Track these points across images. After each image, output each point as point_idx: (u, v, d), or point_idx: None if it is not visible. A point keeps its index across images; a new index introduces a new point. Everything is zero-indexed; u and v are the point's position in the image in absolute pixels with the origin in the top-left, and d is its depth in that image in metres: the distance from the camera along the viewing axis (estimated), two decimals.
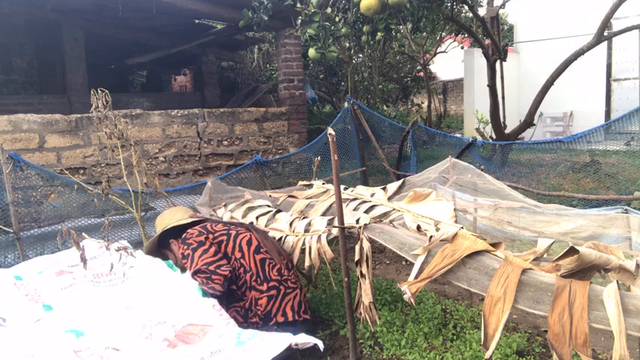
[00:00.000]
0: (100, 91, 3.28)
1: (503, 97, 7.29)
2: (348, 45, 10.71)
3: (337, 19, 4.43)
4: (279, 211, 3.37)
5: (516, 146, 5.95)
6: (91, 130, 5.37)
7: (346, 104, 5.97)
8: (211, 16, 7.18)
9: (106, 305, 2.60)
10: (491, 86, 6.53)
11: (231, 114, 6.44)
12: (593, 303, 1.74)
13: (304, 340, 2.22)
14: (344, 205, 2.87)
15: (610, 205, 3.89)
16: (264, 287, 2.67)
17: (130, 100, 9.27)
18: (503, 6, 7.54)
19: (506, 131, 6.94)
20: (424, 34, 11.01)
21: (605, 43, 8.99)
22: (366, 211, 2.93)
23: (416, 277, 2.11)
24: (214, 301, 2.50)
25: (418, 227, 2.46)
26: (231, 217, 3.40)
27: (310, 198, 3.49)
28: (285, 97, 6.99)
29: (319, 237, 2.74)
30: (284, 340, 2.16)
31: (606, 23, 5.59)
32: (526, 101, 7.72)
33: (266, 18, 4.84)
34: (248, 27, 5.88)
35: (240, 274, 2.70)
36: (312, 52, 4.42)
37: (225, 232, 2.83)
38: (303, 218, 3.05)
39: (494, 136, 7.02)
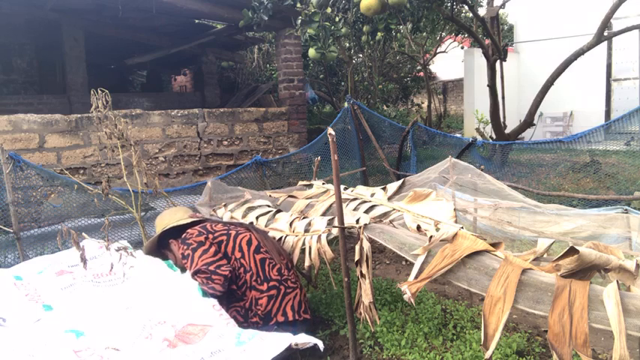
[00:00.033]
0: (100, 91, 3.28)
1: (503, 97, 7.29)
2: (348, 45, 10.71)
3: (337, 19, 4.43)
4: (279, 211, 3.37)
5: (516, 146, 5.95)
6: (91, 130, 5.37)
7: (346, 104, 5.97)
8: (211, 16, 7.19)
9: (106, 305, 2.60)
10: (492, 86, 6.53)
11: (231, 114, 6.44)
12: (593, 303, 1.74)
13: (304, 340, 2.22)
14: (344, 205, 2.87)
15: (610, 205, 3.89)
16: (265, 287, 2.67)
17: (130, 100, 9.27)
18: (503, 6, 7.54)
19: (506, 131, 6.95)
20: (424, 34, 11.01)
21: (605, 43, 9.00)
22: (366, 211, 2.93)
23: (416, 277, 2.11)
24: (214, 301, 2.50)
25: (418, 227, 2.46)
26: (231, 217, 3.40)
27: (310, 198, 3.49)
28: (285, 97, 6.99)
29: (319, 237, 2.74)
30: (284, 340, 2.16)
31: (606, 23, 5.59)
32: (526, 101, 7.72)
33: (266, 18, 4.84)
34: (248, 27, 5.88)
35: (241, 274, 2.70)
36: (312, 52, 4.42)
37: (225, 232, 2.83)
38: (303, 218, 3.05)
39: (494, 136, 7.02)
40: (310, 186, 3.82)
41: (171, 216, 3.07)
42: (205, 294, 2.55)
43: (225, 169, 6.34)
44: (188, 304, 2.49)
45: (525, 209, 2.78)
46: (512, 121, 8.27)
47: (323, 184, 3.78)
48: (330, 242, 2.72)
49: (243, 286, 2.69)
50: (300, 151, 6.15)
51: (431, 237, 2.22)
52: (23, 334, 2.28)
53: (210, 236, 2.78)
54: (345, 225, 2.47)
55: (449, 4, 6.73)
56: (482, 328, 1.87)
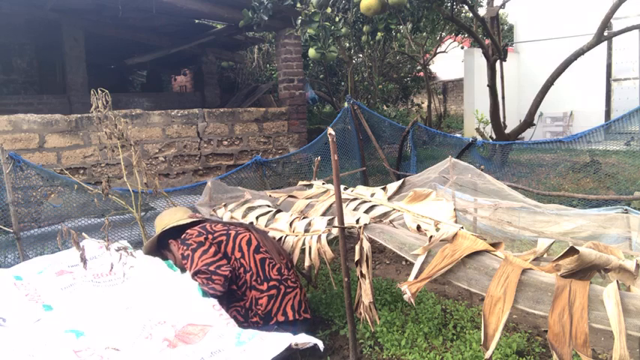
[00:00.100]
0: (100, 91, 3.28)
1: (503, 97, 7.29)
2: (348, 45, 10.71)
3: (337, 19, 4.43)
4: (279, 211, 3.37)
5: (516, 146, 5.95)
6: (91, 130, 5.37)
7: (346, 104, 5.97)
8: (211, 16, 7.19)
9: (106, 305, 2.60)
10: (491, 86, 6.53)
11: (231, 114, 6.44)
12: (593, 303, 1.74)
13: (304, 340, 2.22)
14: (344, 205, 2.87)
15: (610, 205, 3.89)
16: (265, 287, 2.68)
17: (130, 100, 9.27)
18: (503, 6, 7.54)
19: (506, 131, 6.94)
20: (424, 34, 11.01)
21: (605, 43, 8.99)
22: (366, 211, 2.93)
23: (416, 277, 2.11)
24: (214, 301, 2.50)
25: (418, 227, 2.46)
26: (231, 217, 3.40)
27: (310, 198, 3.49)
28: (285, 97, 6.99)
29: (319, 237, 2.74)
30: (284, 340, 2.16)
31: (606, 23, 5.59)
32: (526, 101, 7.72)
33: (266, 18, 4.84)
34: (248, 27, 5.88)
35: (240, 273, 2.70)
36: (312, 52, 4.42)
37: (225, 232, 2.83)
38: (303, 218, 3.05)
39: (494, 136, 7.02)
40: (310, 186, 3.82)
41: (170, 216, 3.07)
42: (205, 294, 2.55)
43: (225, 169, 6.34)
44: (188, 304, 2.49)
45: (525, 209, 2.78)
46: (512, 121, 8.27)
47: (323, 184, 3.78)
48: (330, 242, 2.72)
49: (243, 286, 2.69)
50: (300, 151, 6.15)
51: (431, 237, 2.22)
52: (23, 334, 2.28)
53: (210, 236, 2.78)
54: (345, 225, 2.47)
55: (449, 4, 6.73)
56: (482, 328, 1.87)
